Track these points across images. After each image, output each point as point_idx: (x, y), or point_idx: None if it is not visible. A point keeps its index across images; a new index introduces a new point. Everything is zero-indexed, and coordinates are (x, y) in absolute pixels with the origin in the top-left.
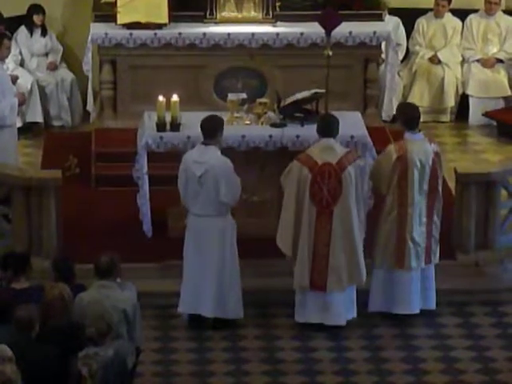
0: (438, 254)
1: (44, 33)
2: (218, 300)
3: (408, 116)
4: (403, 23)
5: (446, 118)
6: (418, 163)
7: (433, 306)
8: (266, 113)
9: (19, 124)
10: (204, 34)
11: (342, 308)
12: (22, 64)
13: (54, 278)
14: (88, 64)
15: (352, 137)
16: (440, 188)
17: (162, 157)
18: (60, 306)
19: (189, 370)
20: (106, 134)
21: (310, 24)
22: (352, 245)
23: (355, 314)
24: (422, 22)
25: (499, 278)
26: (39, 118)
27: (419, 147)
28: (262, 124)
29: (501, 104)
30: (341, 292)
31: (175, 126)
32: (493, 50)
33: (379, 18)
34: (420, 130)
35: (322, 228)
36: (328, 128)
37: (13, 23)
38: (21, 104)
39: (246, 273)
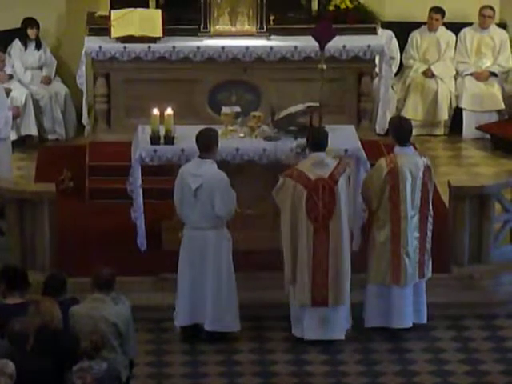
0: (430, 268)
1: (38, 46)
2: (214, 313)
3: (399, 130)
4: (397, 37)
5: (440, 131)
6: (409, 177)
7: (424, 320)
8: (259, 126)
9: (13, 137)
10: (198, 47)
11: (341, 322)
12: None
13: (42, 291)
14: (82, 77)
15: (346, 150)
16: (431, 201)
17: (155, 170)
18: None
19: (183, 383)
20: (100, 148)
21: (303, 38)
22: (342, 260)
23: (350, 325)
24: (415, 36)
25: (493, 291)
26: (33, 132)
27: (410, 161)
28: (255, 137)
29: (494, 117)
30: (342, 306)
31: (169, 140)
32: (486, 63)
33: (373, 31)
34: (413, 144)
35: (320, 243)
36: (318, 142)
37: (7, 36)
38: (15, 117)
39: (240, 286)
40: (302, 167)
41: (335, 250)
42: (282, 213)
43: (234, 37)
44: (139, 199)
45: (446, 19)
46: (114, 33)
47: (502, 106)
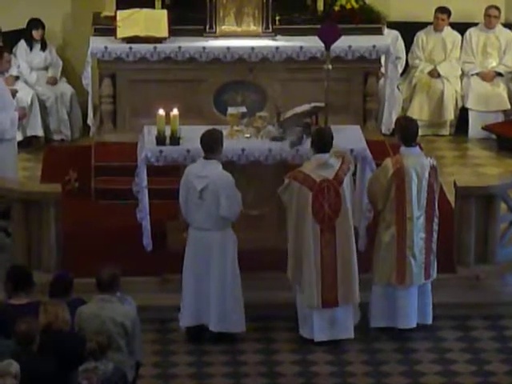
0: (436, 269)
1: (44, 47)
2: (219, 314)
3: (405, 131)
4: (402, 37)
5: (446, 131)
6: (415, 177)
7: (429, 320)
8: (265, 126)
9: (19, 138)
10: (204, 47)
11: (350, 321)
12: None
13: (48, 292)
14: (88, 78)
15: (351, 150)
16: (436, 202)
17: (161, 170)
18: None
19: None
20: (106, 148)
21: (309, 38)
22: (350, 259)
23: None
24: (421, 36)
25: (499, 291)
26: (39, 132)
27: (416, 161)
28: (261, 138)
29: (500, 117)
30: (350, 305)
31: (175, 140)
32: (492, 63)
33: (379, 31)
34: (419, 144)
35: (327, 244)
36: (323, 144)
37: (13, 37)
38: (21, 118)
39: (245, 286)
40: (306, 169)
41: (343, 249)
42: (288, 213)
43: (239, 37)
44: (145, 200)
45: (451, 19)
46: (120, 33)
47: (508, 106)
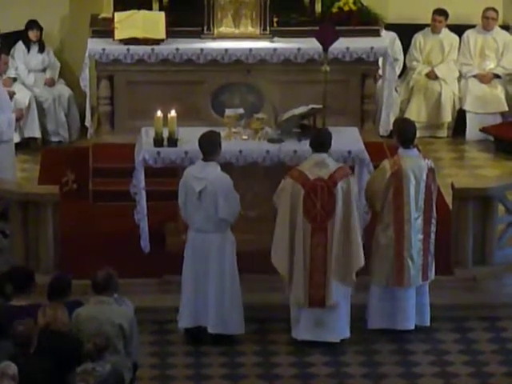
0: (433, 270)
1: (41, 49)
2: (218, 316)
3: (403, 132)
4: (400, 39)
5: (443, 133)
6: (413, 179)
7: (427, 322)
8: (263, 128)
9: (17, 139)
10: (201, 49)
11: (337, 324)
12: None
13: (46, 294)
14: (85, 80)
15: (349, 152)
16: (434, 204)
17: (159, 172)
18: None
19: None
20: (104, 150)
21: (307, 40)
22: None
23: (349, 334)
24: (419, 38)
25: (497, 293)
26: (37, 134)
27: (413, 163)
28: (259, 139)
29: (498, 119)
30: (337, 308)
31: (172, 142)
32: (490, 65)
33: (376, 33)
34: (417, 146)
35: (317, 244)
36: (321, 143)
37: (10, 39)
38: (18, 119)
39: (243, 288)
40: (302, 167)
41: (334, 251)
42: (280, 213)
43: (237, 39)
44: (143, 201)
45: (449, 21)
46: (118, 35)
47: (506, 108)
